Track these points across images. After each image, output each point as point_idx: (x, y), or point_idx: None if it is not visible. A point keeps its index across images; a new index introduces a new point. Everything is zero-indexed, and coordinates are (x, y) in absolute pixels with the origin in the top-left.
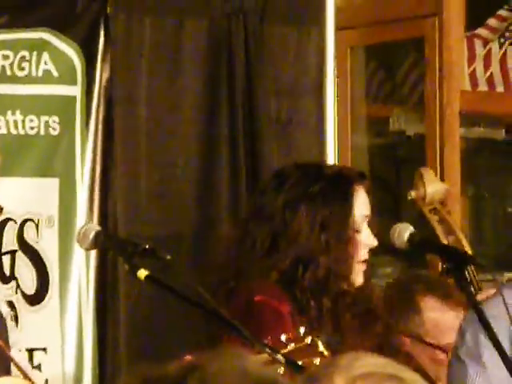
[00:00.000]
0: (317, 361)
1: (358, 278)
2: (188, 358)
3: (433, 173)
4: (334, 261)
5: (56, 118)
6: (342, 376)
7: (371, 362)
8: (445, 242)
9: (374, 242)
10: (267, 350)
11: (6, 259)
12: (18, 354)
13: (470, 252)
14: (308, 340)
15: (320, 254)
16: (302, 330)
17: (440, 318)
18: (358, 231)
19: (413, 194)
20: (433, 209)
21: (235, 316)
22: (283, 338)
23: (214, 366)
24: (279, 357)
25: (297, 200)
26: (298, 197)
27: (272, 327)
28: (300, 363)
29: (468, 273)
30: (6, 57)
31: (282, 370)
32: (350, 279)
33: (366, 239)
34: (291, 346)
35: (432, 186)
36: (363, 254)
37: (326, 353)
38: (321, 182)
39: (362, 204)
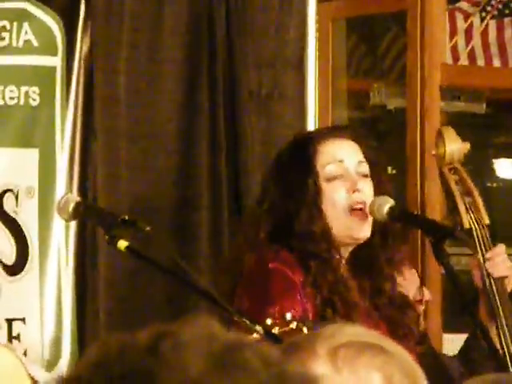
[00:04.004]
0: None
1: (358, 229)
2: (158, 325)
3: (453, 131)
4: (306, 224)
5: (36, 89)
6: (325, 345)
7: (354, 332)
8: (461, 202)
9: (355, 185)
10: (246, 321)
11: None
12: None
13: (485, 215)
14: (293, 325)
15: (293, 221)
16: (288, 315)
17: None
18: (329, 180)
19: (433, 152)
20: (452, 168)
21: (248, 283)
22: (268, 321)
23: (185, 332)
24: (258, 328)
25: (270, 172)
26: (271, 168)
27: (282, 295)
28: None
29: (476, 233)
30: None
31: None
32: (338, 235)
33: (344, 184)
34: (275, 330)
35: (451, 145)
36: (345, 201)
37: None
38: (285, 149)
39: (330, 154)
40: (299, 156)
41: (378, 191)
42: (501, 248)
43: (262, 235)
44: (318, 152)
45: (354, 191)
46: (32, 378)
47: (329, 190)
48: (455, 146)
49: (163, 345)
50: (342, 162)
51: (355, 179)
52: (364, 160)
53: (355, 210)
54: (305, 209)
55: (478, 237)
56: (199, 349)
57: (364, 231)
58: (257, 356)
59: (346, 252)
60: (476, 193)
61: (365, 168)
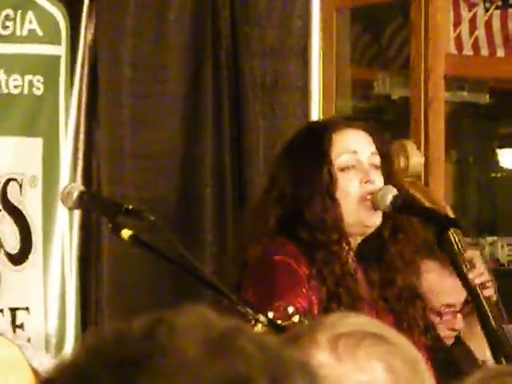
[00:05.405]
0: None
1: (368, 218)
2: (154, 313)
3: (415, 145)
4: (318, 213)
5: (40, 78)
6: (326, 334)
7: (355, 321)
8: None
9: (368, 176)
10: (249, 310)
11: None
12: None
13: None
14: (295, 319)
15: (304, 209)
16: (290, 308)
17: (437, 281)
18: (343, 170)
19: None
20: (411, 182)
21: (253, 275)
22: (270, 315)
23: (181, 319)
24: (261, 317)
25: (281, 159)
26: (282, 156)
27: (287, 288)
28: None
29: (452, 235)
30: None
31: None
32: (349, 225)
33: (357, 175)
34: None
35: (415, 159)
36: (358, 191)
37: None
38: (299, 137)
39: (344, 144)
40: (314, 144)
41: (387, 183)
42: (481, 266)
43: (271, 223)
44: (333, 141)
45: (366, 181)
46: (35, 371)
47: (342, 180)
48: (417, 160)
49: (159, 331)
50: (356, 153)
51: (368, 170)
52: (376, 152)
53: (365, 201)
54: (318, 197)
55: (454, 240)
56: (195, 334)
57: (375, 218)
58: (252, 341)
59: (355, 243)
60: (442, 201)
61: (376, 160)
